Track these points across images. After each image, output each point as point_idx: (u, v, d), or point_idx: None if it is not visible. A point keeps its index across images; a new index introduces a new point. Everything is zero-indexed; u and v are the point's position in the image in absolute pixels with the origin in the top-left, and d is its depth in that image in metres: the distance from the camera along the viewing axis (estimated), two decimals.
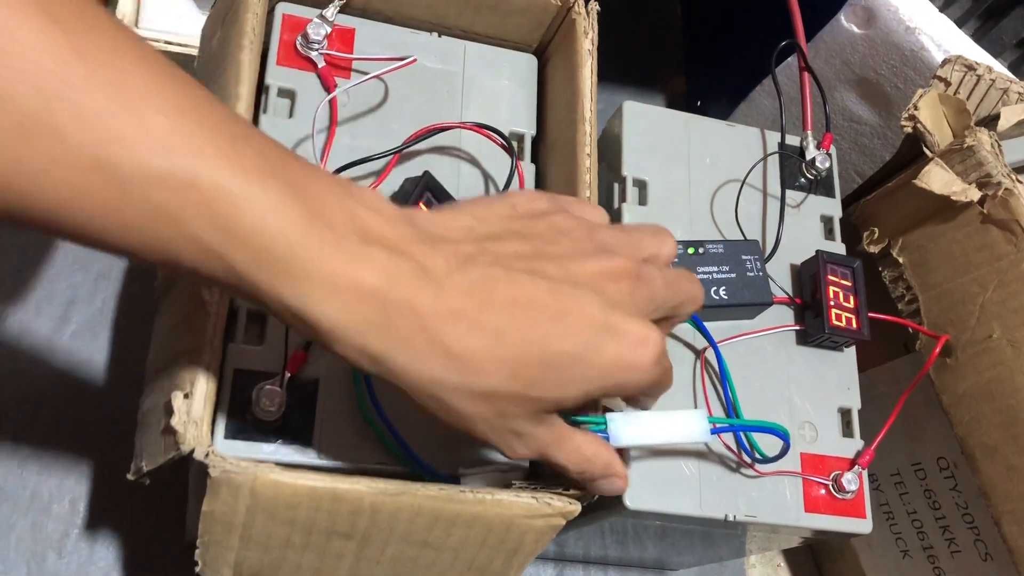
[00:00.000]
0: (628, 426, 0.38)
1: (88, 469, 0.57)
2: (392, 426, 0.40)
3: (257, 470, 0.35)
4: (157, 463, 0.37)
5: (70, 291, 0.60)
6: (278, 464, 0.36)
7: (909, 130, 0.53)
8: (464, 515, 0.38)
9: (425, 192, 0.44)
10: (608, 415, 0.38)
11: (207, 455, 0.35)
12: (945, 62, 0.53)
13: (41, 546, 0.54)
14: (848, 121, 0.67)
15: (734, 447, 0.46)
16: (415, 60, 0.46)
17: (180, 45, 0.65)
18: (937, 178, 0.50)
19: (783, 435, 0.43)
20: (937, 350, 0.50)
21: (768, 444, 0.45)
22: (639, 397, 0.37)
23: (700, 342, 0.48)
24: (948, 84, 0.53)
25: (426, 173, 0.44)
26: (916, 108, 0.52)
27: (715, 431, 0.42)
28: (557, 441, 0.35)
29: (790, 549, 0.70)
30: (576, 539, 0.59)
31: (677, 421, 0.40)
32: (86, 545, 0.55)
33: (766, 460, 0.45)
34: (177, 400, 0.35)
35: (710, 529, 0.50)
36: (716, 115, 0.73)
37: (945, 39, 0.59)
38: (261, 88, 0.45)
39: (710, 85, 0.80)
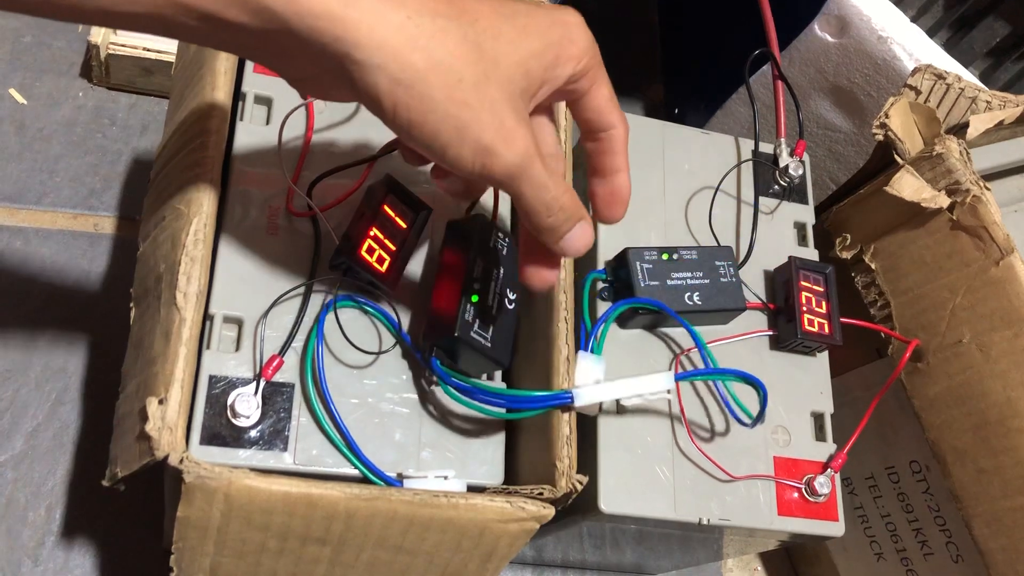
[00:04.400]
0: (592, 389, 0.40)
1: (64, 476, 0.57)
2: (343, 428, 0.41)
3: (231, 476, 0.35)
4: (132, 469, 0.37)
5: (47, 298, 0.60)
6: (253, 470, 0.36)
7: (880, 138, 0.54)
8: (438, 519, 0.38)
9: (389, 194, 0.44)
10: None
11: (181, 461, 0.35)
12: (915, 71, 0.54)
13: (16, 554, 0.54)
14: (822, 128, 0.67)
15: (712, 451, 0.47)
16: None
17: (157, 52, 0.65)
18: (907, 185, 0.51)
19: (757, 382, 0.43)
20: (908, 354, 0.51)
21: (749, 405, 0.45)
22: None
23: (675, 347, 0.49)
24: (918, 93, 0.54)
25: (388, 176, 0.44)
26: (887, 116, 0.53)
27: (680, 376, 0.42)
28: (536, 154, 0.33)
29: (767, 553, 0.70)
30: (554, 544, 0.59)
31: (641, 379, 0.41)
32: (62, 553, 0.55)
33: (752, 419, 0.45)
34: (152, 406, 0.35)
35: (687, 533, 0.51)
36: (693, 123, 0.74)
37: (917, 48, 0.60)
38: (238, 95, 0.45)
39: (687, 93, 0.81)
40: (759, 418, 0.45)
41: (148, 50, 0.64)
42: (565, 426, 0.40)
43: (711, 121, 0.74)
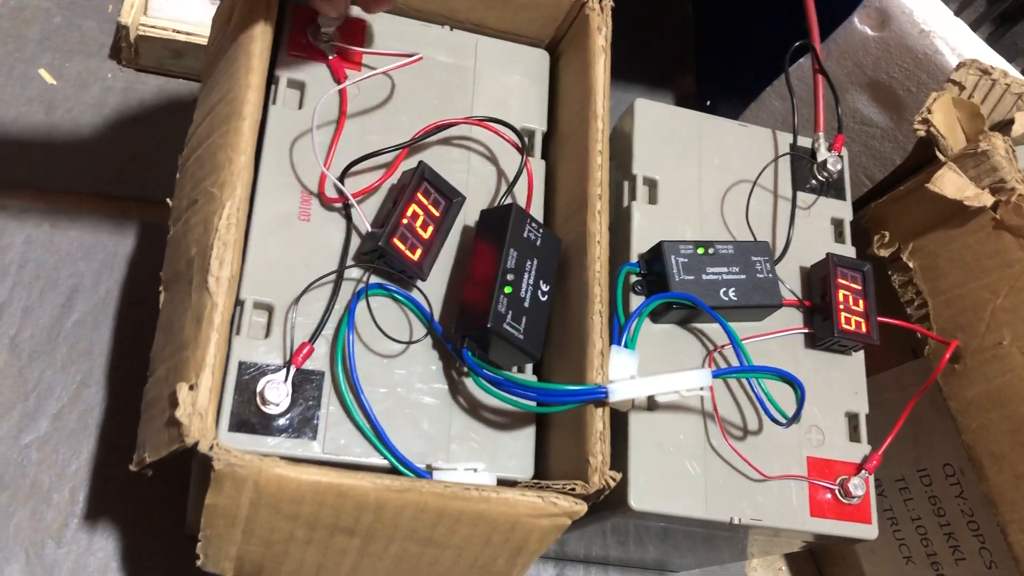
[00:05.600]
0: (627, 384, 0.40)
1: (88, 459, 0.56)
2: (373, 417, 0.40)
3: (262, 464, 0.35)
4: (160, 455, 0.37)
5: (74, 280, 0.60)
6: (283, 458, 0.36)
7: (922, 134, 0.52)
8: (469, 513, 0.37)
9: (423, 182, 0.43)
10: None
11: (211, 448, 0.34)
12: (960, 66, 0.53)
13: (40, 535, 0.54)
14: (858, 123, 0.66)
15: (744, 450, 0.46)
16: (420, 59, 0.45)
17: (187, 34, 0.64)
18: (950, 183, 0.50)
19: (796, 381, 0.43)
20: (947, 356, 0.50)
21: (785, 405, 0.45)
22: None
23: (708, 343, 0.48)
24: (962, 88, 0.53)
25: (421, 163, 0.44)
26: (930, 112, 0.52)
27: (717, 373, 0.42)
28: None
29: (791, 553, 0.69)
30: (577, 539, 0.59)
31: (678, 375, 0.41)
32: (85, 535, 0.55)
33: (788, 419, 0.44)
34: (182, 392, 0.35)
35: (712, 531, 0.50)
36: (726, 115, 0.73)
37: (960, 43, 0.58)
38: (271, 79, 0.44)
39: (720, 85, 0.80)
40: (795, 418, 0.44)
41: (178, 32, 0.64)
42: (599, 421, 0.40)
43: (744, 114, 0.73)
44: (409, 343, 0.43)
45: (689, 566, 0.66)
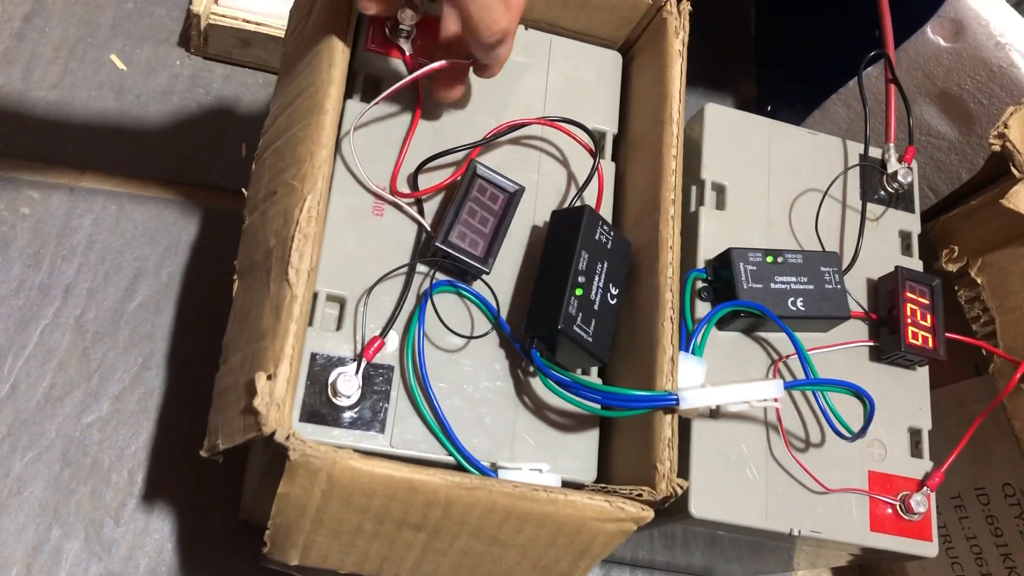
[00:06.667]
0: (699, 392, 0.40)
1: (147, 441, 0.57)
2: (441, 414, 0.41)
3: (336, 456, 0.35)
4: (235, 442, 0.37)
5: (138, 263, 0.61)
6: (356, 451, 0.36)
7: (997, 148, 0.52)
8: (536, 514, 0.38)
9: (476, 180, 0.43)
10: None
11: (288, 438, 0.35)
12: None
13: (99, 513, 0.55)
14: (925, 135, 0.65)
15: (806, 462, 0.46)
16: None
17: (256, 24, 0.65)
18: None
19: (866, 396, 0.42)
20: (1018, 375, 0.49)
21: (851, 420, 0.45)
22: None
23: (772, 353, 0.48)
24: None
25: (471, 164, 0.43)
26: (1006, 126, 0.51)
27: (789, 385, 0.42)
28: None
29: (838, 567, 0.69)
30: (625, 542, 0.58)
31: (749, 385, 0.41)
32: (142, 516, 0.56)
33: (853, 434, 0.44)
34: (260, 381, 0.35)
35: (759, 540, 0.50)
36: (787, 121, 0.72)
37: None
38: (349, 73, 0.45)
39: (782, 91, 0.79)
40: (861, 433, 0.44)
41: (248, 22, 0.64)
42: (667, 428, 0.40)
43: (806, 121, 0.72)
44: (470, 337, 0.43)
45: (734, 574, 0.65)
